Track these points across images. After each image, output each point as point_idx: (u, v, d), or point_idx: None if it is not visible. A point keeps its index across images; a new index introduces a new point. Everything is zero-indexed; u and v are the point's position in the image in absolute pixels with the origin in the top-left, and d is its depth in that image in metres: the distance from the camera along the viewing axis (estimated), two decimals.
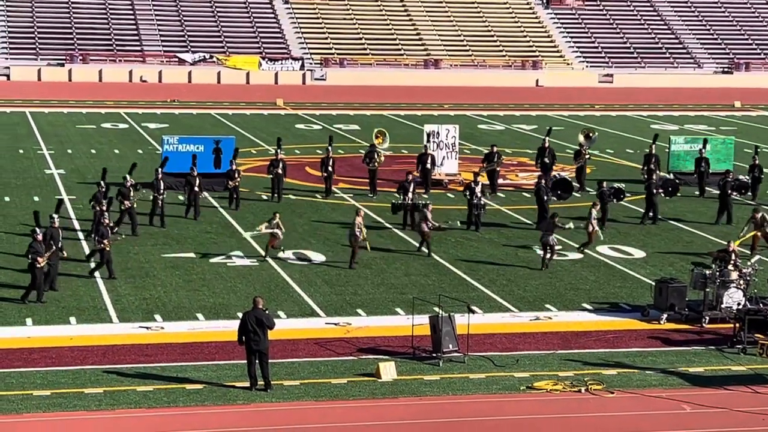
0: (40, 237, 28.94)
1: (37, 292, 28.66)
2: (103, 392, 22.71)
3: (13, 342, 25.77)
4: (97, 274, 31.32)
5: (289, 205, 41.97)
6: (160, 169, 39.38)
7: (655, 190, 40.80)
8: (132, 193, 36.87)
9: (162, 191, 38.32)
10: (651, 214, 40.43)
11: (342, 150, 53.92)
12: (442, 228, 35.72)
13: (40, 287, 28.68)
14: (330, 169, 44.22)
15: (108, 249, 31.11)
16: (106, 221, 31.70)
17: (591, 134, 49.41)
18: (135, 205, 36.88)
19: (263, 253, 33.63)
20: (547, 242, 33.38)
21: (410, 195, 38.32)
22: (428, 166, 45.50)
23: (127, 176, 37.45)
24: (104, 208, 33.44)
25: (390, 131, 50.27)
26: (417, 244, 35.23)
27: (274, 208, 40.26)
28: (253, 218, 39.41)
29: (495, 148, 46.01)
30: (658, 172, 43.99)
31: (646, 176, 44.99)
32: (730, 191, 41.01)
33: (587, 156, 47.21)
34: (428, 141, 46.59)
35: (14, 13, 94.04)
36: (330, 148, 44.88)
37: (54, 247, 29.36)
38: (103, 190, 35.98)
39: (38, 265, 28.48)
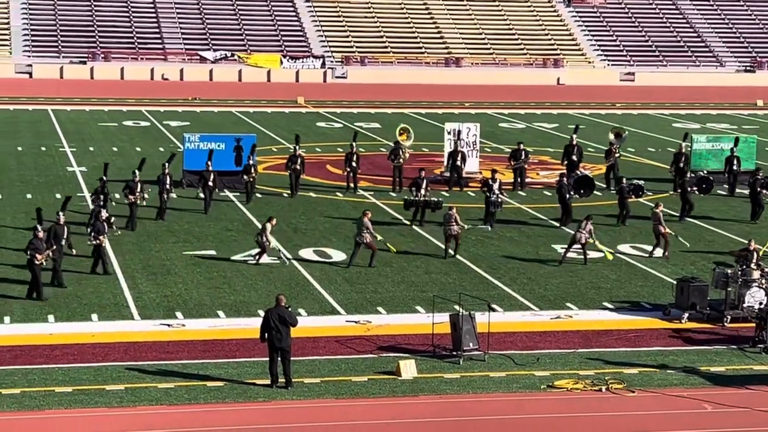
0: (41, 234, 29.04)
1: (36, 289, 28.68)
2: (124, 389, 22.80)
3: (36, 339, 25.91)
4: (117, 269, 31.50)
5: (310, 203, 42.04)
6: (167, 165, 39.65)
7: (689, 188, 40.80)
8: (139, 189, 37.07)
9: (168, 186, 38.34)
10: (686, 211, 40.34)
11: (363, 148, 53.90)
12: (469, 229, 35.81)
13: (39, 284, 28.63)
14: (354, 164, 44.29)
15: (103, 245, 31.20)
16: (104, 216, 31.86)
17: (622, 133, 49.24)
18: (139, 201, 37.04)
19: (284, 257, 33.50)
20: (578, 239, 33.25)
21: (423, 191, 38.43)
22: (458, 163, 45.62)
23: (136, 171, 37.73)
24: (101, 203, 33.54)
25: (411, 129, 50.22)
26: (439, 244, 35.07)
27: (291, 203, 40.44)
28: (273, 216, 39.46)
29: (522, 146, 46.02)
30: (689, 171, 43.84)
31: (673, 174, 45.06)
32: (760, 189, 40.83)
33: (617, 155, 47.02)
34: (458, 138, 46.76)
35: (36, 12, 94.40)
36: (354, 144, 44.95)
37: (54, 245, 29.35)
38: (102, 185, 36.44)
39: (36, 262, 28.56)
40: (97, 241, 31.12)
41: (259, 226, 37.56)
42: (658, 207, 34.87)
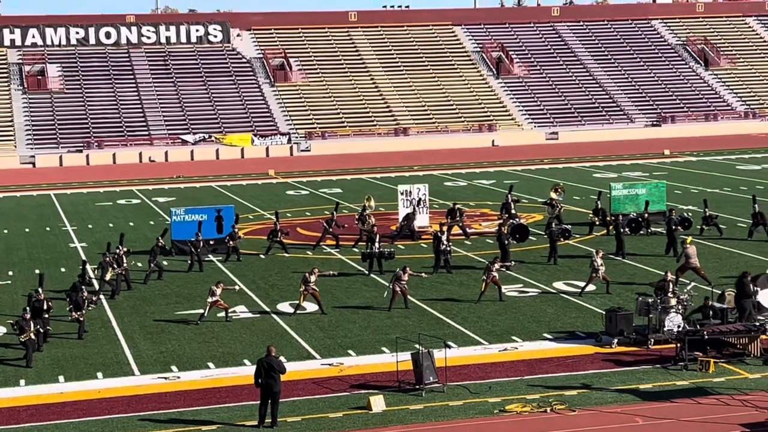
0: (27, 315, 28.76)
1: (27, 359, 28.15)
2: None
3: (48, 398, 25.54)
4: (117, 330, 31.19)
5: (284, 262, 41.84)
6: (160, 237, 40.52)
7: (622, 229, 40.98)
8: (125, 261, 36.88)
9: (123, 264, 37.08)
10: (621, 249, 40.45)
11: (327, 211, 53.79)
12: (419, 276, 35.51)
13: (29, 354, 28.14)
14: (330, 228, 44.44)
15: (82, 319, 30.79)
16: (85, 294, 31.56)
17: (559, 188, 49.15)
18: (122, 272, 36.73)
19: (205, 313, 32.25)
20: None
21: (377, 245, 38.72)
22: (413, 224, 46.08)
23: (120, 246, 37.70)
24: (81, 280, 33.22)
25: (368, 192, 50.24)
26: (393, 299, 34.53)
27: (267, 263, 40.21)
28: (253, 275, 39.28)
29: (456, 205, 46.44)
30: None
31: (597, 223, 45.06)
32: (675, 227, 40.94)
33: (560, 207, 47.13)
34: (418, 203, 47.26)
35: (36, 109, 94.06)
36: (335, 212, 45.62)
37: (34, 324, 28.58)
38: (109, 259, 36.49)
39: (21, 339, 28.19)
40: (76, 315, 30.74)
41: (242, 285, 37.38)
42: (598, 254, 34.36)
